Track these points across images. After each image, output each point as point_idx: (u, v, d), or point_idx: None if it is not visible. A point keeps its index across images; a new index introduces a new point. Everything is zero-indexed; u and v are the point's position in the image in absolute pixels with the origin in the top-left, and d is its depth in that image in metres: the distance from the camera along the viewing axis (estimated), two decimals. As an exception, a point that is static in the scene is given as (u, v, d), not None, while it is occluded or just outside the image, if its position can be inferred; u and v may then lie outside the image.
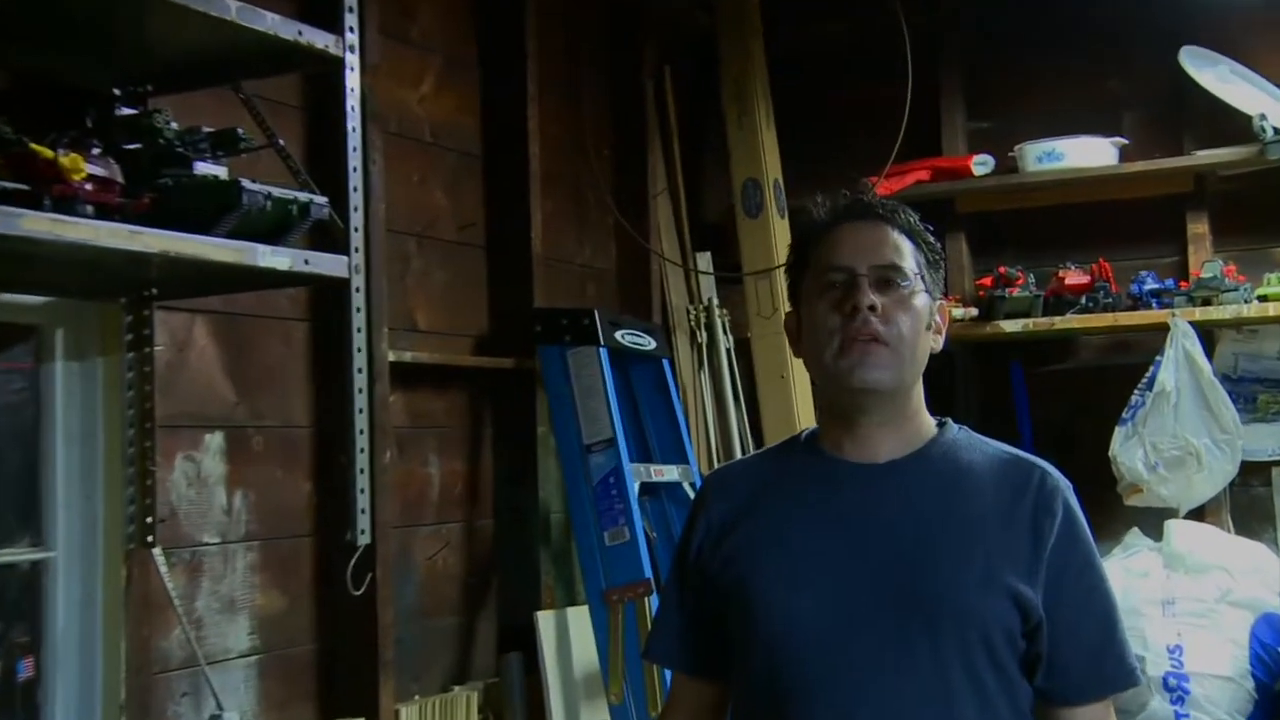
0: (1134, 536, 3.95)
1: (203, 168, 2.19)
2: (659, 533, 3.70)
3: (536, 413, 3.58)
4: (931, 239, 1.81)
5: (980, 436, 1.83)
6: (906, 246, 1.77)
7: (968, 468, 1.76)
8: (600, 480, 3.41)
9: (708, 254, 4.37)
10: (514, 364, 3.56)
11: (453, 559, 3.44)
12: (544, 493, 3.59)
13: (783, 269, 4.03)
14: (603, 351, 3.48)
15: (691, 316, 4.25)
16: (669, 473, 3.66)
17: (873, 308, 1.72)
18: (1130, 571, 3.80)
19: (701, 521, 1.84)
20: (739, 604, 1.77)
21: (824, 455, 1.80)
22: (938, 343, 1.79)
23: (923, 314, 1.75)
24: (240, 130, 2.27)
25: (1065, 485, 1.77)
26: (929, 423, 1.81)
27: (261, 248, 2.19)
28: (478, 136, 3.62)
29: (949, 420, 1.83)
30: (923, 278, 1.76)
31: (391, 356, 3.11)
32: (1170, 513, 3.91)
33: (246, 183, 2.13)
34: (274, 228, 2.24)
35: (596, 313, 3.51)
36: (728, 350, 4.24)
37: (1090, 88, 4.28)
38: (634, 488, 3.42)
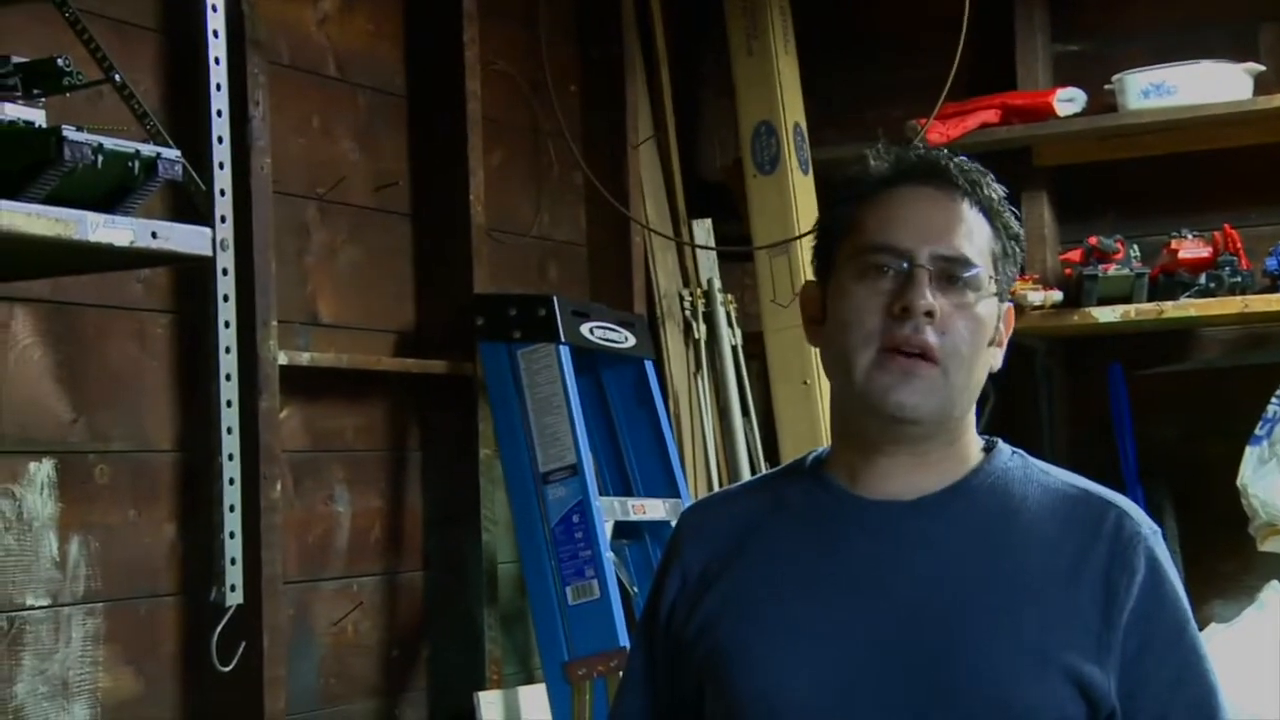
0: (1273, 592, 3.94)
1: (12, 110, 2.19)
2: (640, 587, 3.70)
3: (479, 431, 3.58)
4: (1015, 222, 1.80)
5: (1040, 464, 1.82)
6: (983, 232, 1.76)
7: (1020, 507, 1.76)
8: (561, 519, 3.41)
9: (707, 222, 4.37)
10: (448, 368, 3.56)
11: (368, 624, 3.44)
12: (489, 536, 3.59)
13: (812, 234, 4.07)
14: (564, 350, 3.48)
15: (686, 304, 4.25)
16: (653, 509, 3.67)
17: (930, 313, 1.71)
18: (1267, 640, 3.79)
19: (675, 573, 1.85)
20: (716, 684, 1.77)
21: (833, 488, 1.80)
22: (997, 359, 1.79)
23: (987, 324, 1.75)
24: (65, 60, 2.27)
25: (1150, 530, 1.75)
26: (973, 448, 1.81)
27: (93, 217, 2.19)
28: (400, 70, 3.62)
29: (999, 442, 1.83)
30: (997, 276, 1.76)
31: (283, 359, 3.12)
32: (1321, 561, 3.91)
33: (70, 131, 2.13)
34: (111, 191, 2.24)
35: (556, 300, 3.51)
36: (734, 348, 4.24)
37: (1216, -7, 4.28)
38: (605, 529, 3.42)
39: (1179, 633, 1.73)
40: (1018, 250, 1.80)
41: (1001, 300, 1.77)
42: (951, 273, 1.73)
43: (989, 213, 1.77)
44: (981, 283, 1.74)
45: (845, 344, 1.74)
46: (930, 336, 1.70)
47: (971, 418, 1.80)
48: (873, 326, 1.72)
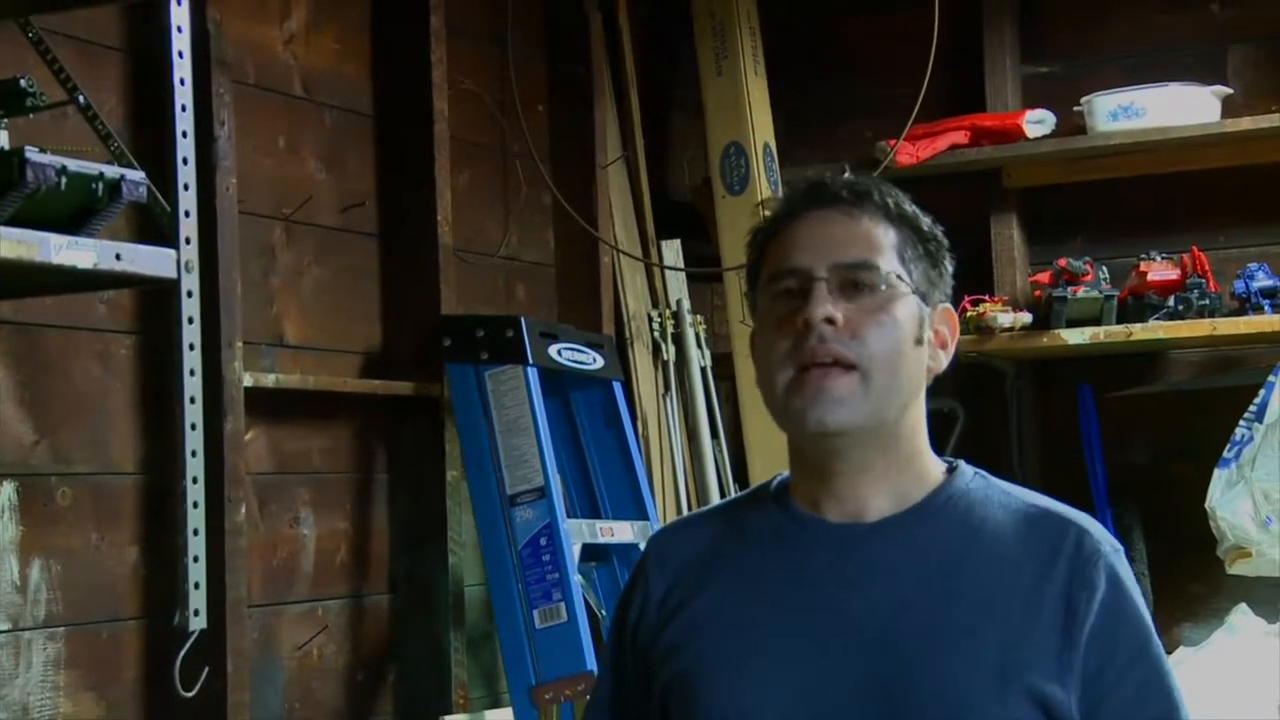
0: (1241, 615, 3.96)
1: (-28, 133, 2.19)
2: (608, 610, 3.69)
3: (445, 453, 3.58)
4: (929, 224, 1.82)
5: (1001, 484, 1.83)
6: (886, 237, 1.78)
7: (980, 527, 1.77)
8: (528, 542, 3.41)
9: (676, 243, 4.38)
10: (415, 389, 3.56)
11: (333, 648, 3.43)
12: (455, 559, 3.59)
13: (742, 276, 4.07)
14: (532, 372, 3.49)
15: (655, 325, 4.26)
16: (621, 531, 3.67)
17: (831, 320, 1.72)
18: (1236, 663, 3.80)
19: (638, 599, 1.86)
20: (682, 709, 1.78)
21: (796, 513, 1.81)
22: (939, 360, 1.81)
23: (906, 323, 1.76)
24: (27, 81, 2.26)
25: (1111, 548, 1.76)
26: (933, 467, 1.82)
27: (55, 239, 2.19)
28: (367, 89, 3.63)
29: (960, 463, 1.84)
30: (910, 275, 1.77)
31: (248, 380, 3.12)
32: (1289, 583, 3.93)
33: (33, 153, 2.13)
34: (75, 213, 2.24)
35: (524, 321, 3.52)
36: (703, 369, 4.25)
37: (1185, 16, 4.30)
38: (572, 551, 3.42)
39: (1141, 649, 1.73)
40: (938, 249, 1.81)
41: (928, 301, 1.79)
42: (854, 279, 1.74)
43: (891, 218, 1.78)
44: (888, 279, 1.75)
45: (766, 372, 1.76)
46: (840, 345, 1.72)
47: (921, 434, 1.81)
48: (784, 349, 1.74)
